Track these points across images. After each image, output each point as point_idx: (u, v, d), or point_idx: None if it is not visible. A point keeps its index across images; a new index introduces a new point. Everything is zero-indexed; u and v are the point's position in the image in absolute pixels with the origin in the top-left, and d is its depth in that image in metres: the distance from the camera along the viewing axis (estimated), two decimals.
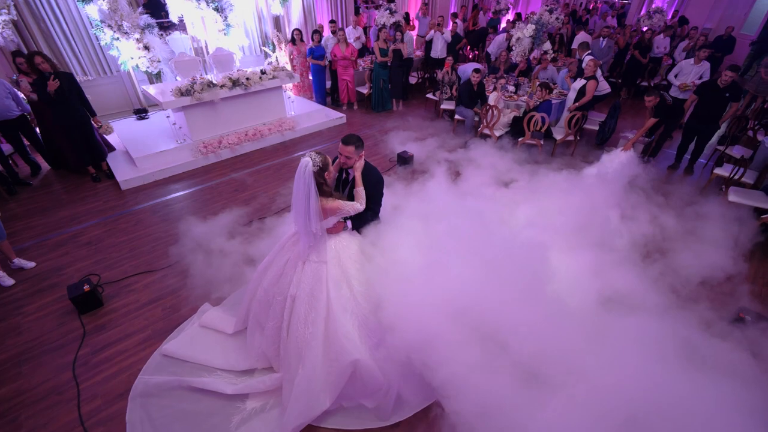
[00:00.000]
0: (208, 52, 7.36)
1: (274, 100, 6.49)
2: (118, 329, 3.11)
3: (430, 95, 7.87)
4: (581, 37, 8.19)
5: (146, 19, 6.34)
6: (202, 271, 3.54)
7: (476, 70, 6.14)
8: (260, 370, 2.73)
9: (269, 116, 6.48)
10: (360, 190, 2.47)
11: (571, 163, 5.52)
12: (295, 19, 8.76)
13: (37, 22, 6.01)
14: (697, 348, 2.31)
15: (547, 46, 7.73)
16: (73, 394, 2.63)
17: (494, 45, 8.58)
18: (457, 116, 6.68)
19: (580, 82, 5.88)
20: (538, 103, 5.88)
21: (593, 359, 2.15)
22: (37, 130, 5.35)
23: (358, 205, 2.45)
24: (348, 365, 2.32)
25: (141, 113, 6.74)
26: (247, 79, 5.84)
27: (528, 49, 7.55)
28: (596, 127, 6.30)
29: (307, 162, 2.18)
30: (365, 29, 9.58)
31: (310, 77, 7.90)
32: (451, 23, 10.07)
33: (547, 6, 7.61)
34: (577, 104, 5.84)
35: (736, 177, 4.61)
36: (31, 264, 3.74)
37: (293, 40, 7.56)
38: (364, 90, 8.18)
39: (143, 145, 5.64)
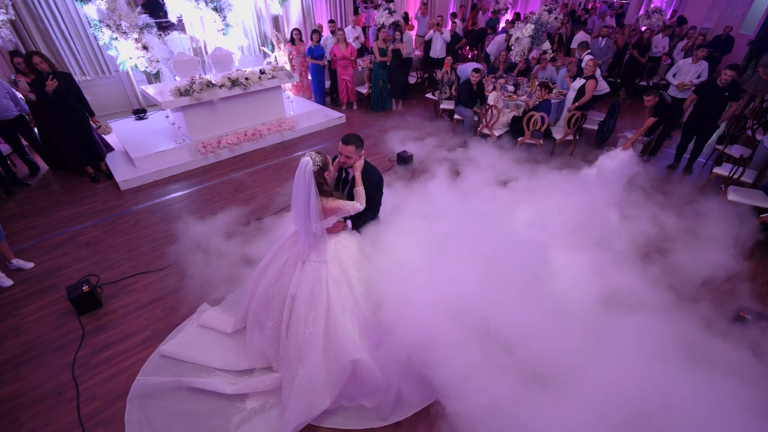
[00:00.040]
0: (206, 52, 7.34)
1: (274, 100, 6.48)
2: (117, 330, 3.10)
3: (429, 95, 7.87)
4: (580, 36, 8.19)
5: (145, 18, 6.32)
6: (201, 271, 3.54)
7: (476, 70, 6.14)
8: (259, 369, 2.73)
9: (268, 116, 6.47)
10: (360, 190, 2.47)
11: (570, 163, 5.52)
12: (294, 19, 8.75)
13: (35, 21, 5.99)
14: (697, 347, 2.31)
15: (547, 45, 7.73)
16: (72, 395, 2.62)
17: (493, 45, 8.58)
18: (456, 116, 6.68)
19: (579, 82, 5.88)
20: (537, 102, 5.88)
21: (594, 359, 2.16)
22: (35, 130, 5.33)
23: (358, 205, 2.44)
24: (348, 365, 2.32)
25: (140, 113, 6.73)
26: (246, 78, 5.83)
27: (527, 49, 7.55)
28: (595, 127, 6.30)
29: (308, 161, 2.18)
30: (364, 29, 9.58)
31: (309, 77, 7.89)
32: (450, 23, 10.07)
33: (546, 6, 7.60)
34: (576, 104, 5.85)
35: (736, 176, 4.62)
36: (30, 264, 3.73)
37: (292, 40, 7.55)
38: (364, 90, 8.17)
39: (142, 146, 5.63)
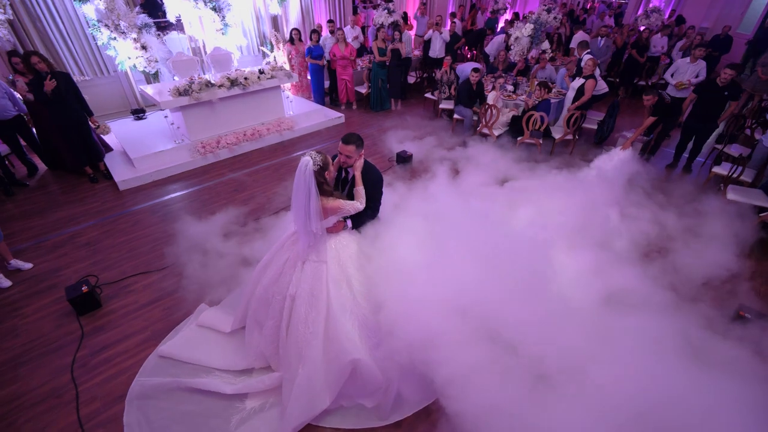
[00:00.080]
0: (205, 52, 7.32)
1: (273, 99, 6.47)
2: (117, 330, 3.09)
3: (428, 95, 7.86)
4: (579, 36, 8.20)
5: (143, 18, 6.30)
6: (201, 272, 3.53)
7: (475, 70, 6.14)
8: (258, 369, 2.72)
9: (268, 116, 6.46)
10: (360, 189, 2.46)
11: (570, 162, 5.53)
12: (293, 19, 8.74)
13: (33, 21, 5.97)
14: (697, 346, 2.31)
15: (546, 45, 7.73)
16: (72, 396, 2.61)
17: (492, 45, 8.58)
18: (455, 115, 6.68)
19: (578, 81, 5.89)
20: (536, 102, 5.88)
21: (594, 358, 2.15)
22: (34, 130, 5.31)
23: (359, 204, 2.44)
24: (347, 364, 2.31)
25: (138, 113, 6.71)
26: (246, 78, 5.82)
27: (526, 49, 7.55)
28: (595, 126, 6.31)
29: (308, 161, 2.17)
30: (363, 29, 9.57)
31: (309, 77, 7.88)
32: (449, 23, 10.07)
33: (545, 5, 7.61)
34: (576, 104, 5.86)
35: (735, 175, 4.63)
36: (29, 265, 3.71)
37: (291, 40, 7.55)
38: (363, 90, 8.17)
39: (141, 146, 5.61)
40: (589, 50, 6.84)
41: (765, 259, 3.90)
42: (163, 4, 6.80)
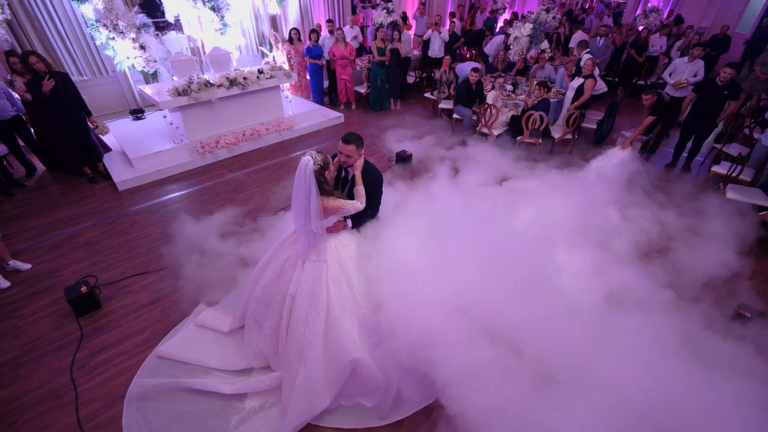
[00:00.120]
0: (204, 52, 7.31)
1: (272, 99, 6.46)
2: (116, 331, 3.08)
3: (427, 94, 7.86)
4: (579, 36, 8.21)
5: (142, 18, 6.29)
6: (200, 272, 3.52)
7: (475, 69, 6.14)
8: (257, 369, 2.72)
9: (267, 116, 6.45)
10: (360, 189, 2.46)
11: (569, 162, 5.53)
12: (291, 19, 8.73)
13: (31, 21, 5.95)
14: (697, 345, 2.32)
15: (545, 45, 7.73)
16: (71, 397, 2.61)
17: (492, 46, 8.58)
18: (455, 115, 6.68)
19: (578, 81, 5.90)
20: (536, 101, 5.88)
21: (594, 357, 2.15)
22: (32, 130, 5.29)
23: (359, 204, 2.44)
24: (347, 364, 2.31)
25: (137, 113, 6.70)
26: (245, 78, 5.81)
27: (525, 48, 7.56)
28: (594, 126, 6.31)
29: (308, 161, 2.17)
30: (362, 28, 9.56)
31: (308, 77, 7.87)
32: (448, 22, 10.08)
33: (544, 5, 7.61)
34: (575, 103, 5.86)
35: (734, 174, 4.64)
36: (27, 266, 3.70)
37: (290, 40, 7.54)
38: (362, 89, 8.16)
39: (140, 146, 5.60)
40: (588, 50, 6.85)
41: (765, 257, 3.91)
42: (161, 3, 6.79)
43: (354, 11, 9.79)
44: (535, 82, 6.22)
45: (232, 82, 5.71)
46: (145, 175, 5.24)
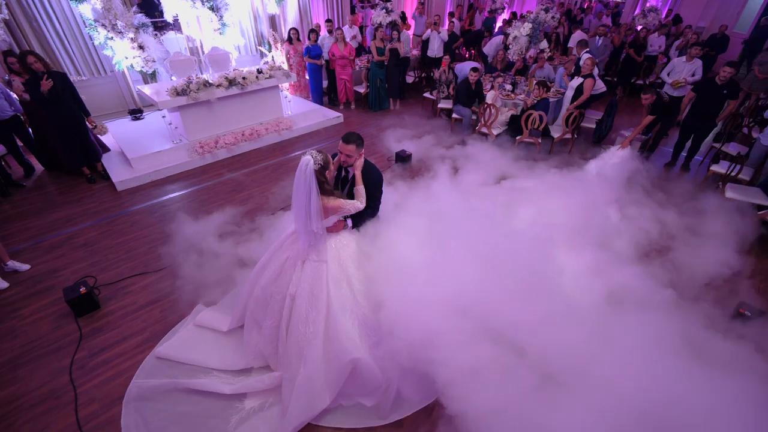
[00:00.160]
0: (203, 52, 7.30)
1: (271, 99, 6.45)
2: (115, 332, 3.07)
3: (427, 94, 7.86)
4: (578, 35, 8.21)
5: (140, 18, 6.27)
6: (199, 272, 3.51)
7: (474, 69, 6.14)
8: (257, 369, 2.71)
9: (266, 116, 6.45)
10: (360, 189, 2.46)
11: (568, 161, 5.54)
12: (290, 18, 8.73)
13: (29, 21, 5.93)
14: (698, 344, 2.32)
15: (544, 44, 7.74)
16: (70, 398, 2.60)
17: (491, 46, 8.58)
18: (454, 115, 6.68)
19: (577, 81, 5.90)
20: (535, 101, 5.89)
21: (595, 357, 2.15)
22: (30, 130, 5.28)
23: (359, 204, 2.44)
24: (347, 363, 2.31)
25: (136, 113, 6.68)
26: (244, 78, 5.80)
27: (524, 48, 7.56)
28: (593, 125, 6.32)
29: (309, 160, 2.17)
30: (361, 28, 9.55)
31: (307, 77, 7.87)
32: (447, 22, 10.07)
33: (543, 5, 7.62)
34: (575, 103, 5.86)
35: (733, 174, 4.65)
36: (26, 266, 3.69)
37: (290, 39, 7.53)
38: (361, 89, 8.16)
39: (139, 146, 5.59)
40: (587, 49, 6.85)
41: (764, 256, 3.92)
42: (160, 3, 6.78)
43: (353, 11, 9.79)
44: (535, 82, 6.23)
45: (231, 82, 5.70)
46: (144, 176, 5.23)
